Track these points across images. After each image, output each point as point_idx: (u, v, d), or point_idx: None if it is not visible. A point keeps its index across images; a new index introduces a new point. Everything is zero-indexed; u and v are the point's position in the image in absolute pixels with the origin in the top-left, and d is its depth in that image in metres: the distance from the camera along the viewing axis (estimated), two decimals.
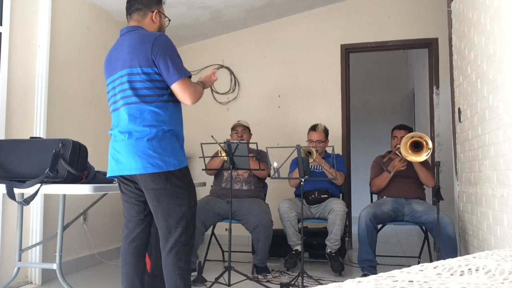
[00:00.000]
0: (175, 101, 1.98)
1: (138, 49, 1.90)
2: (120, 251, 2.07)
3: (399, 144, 3.45)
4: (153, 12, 2.07)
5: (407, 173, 3.38)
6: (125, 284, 2.02)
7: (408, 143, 3.13)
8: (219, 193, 3.50)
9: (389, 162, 3.48)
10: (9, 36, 2.85)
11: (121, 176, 2.02)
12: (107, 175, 2.05)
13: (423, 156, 3.09)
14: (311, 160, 3.26)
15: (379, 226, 3.34)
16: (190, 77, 1.94)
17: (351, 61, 4.70)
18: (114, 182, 2.53)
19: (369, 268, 3.15)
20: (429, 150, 3.05)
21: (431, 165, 3.59)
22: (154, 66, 1.89)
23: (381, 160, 3.53)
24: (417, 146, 3.13)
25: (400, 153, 3.23)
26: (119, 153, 1.94)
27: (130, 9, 2.09)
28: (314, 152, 3.37)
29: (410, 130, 3.59)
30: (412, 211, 3.30)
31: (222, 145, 3.02)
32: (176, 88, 1.89)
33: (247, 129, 3.69)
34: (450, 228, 3.03)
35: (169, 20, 2.21)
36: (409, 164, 3.34)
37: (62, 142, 2.28)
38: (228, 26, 4.72)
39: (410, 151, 3.13)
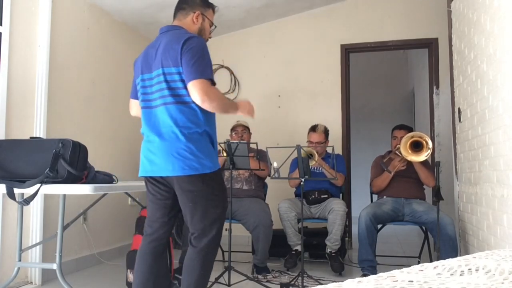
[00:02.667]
0: None
1: (171, 49, 1.88)
2: (138, 249, 2.06)
3: (399, 144, 3.46)
4: (195, 13, 2.07)
5: (407, 173, 3.38)
6: (137, 281, 2.00)
7: (408, 143, 3.13)
8: None
9: (389, 163, 3.48)
10: (9, 36, 2.85)
11: (151, 177, 2.00)
12: (139, 175, 2.04)
13: (423, 156, 3.09)
14: (312, 163, 3.26)
15: (379, 226, 3.34)
16: (211, 80, 1.87)
17: (351, 61, 4.70)
18: (114, 182, 2.54)
19: (369, 268, 3.15)
20: (429, 150, 3.05)
21: (431, 165, 3.59)
22: (181, 66, 1.87)
23: (381, 160, 3.53)
24: (417, 146, 3.14)
25: (400, 153, 3.23)
26: (153, 154, 1.92)
27: (176, 8, 2.10)
28: (316, 155, 3.36)
29: (410, 130, 3.59)
30: (412, 211, 3.30)
31: (222, 145, 3.02)
32: (190, 86, 1.83)
33: (247, 128, 3.69)
34: (450, 228, 3.03)
35: (215, 26, 2.20)
36: (409, 164, 3.34)
37: (62, 142, 2.28)
38: (228, 26, 4.72)
39: (410, 151, 3.13)
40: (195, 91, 1.82)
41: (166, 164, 1.88)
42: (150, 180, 2.02)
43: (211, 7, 2.17)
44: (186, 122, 1.88)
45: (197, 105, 1.89)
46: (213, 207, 1.94)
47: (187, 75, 1.84)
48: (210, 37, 2.20)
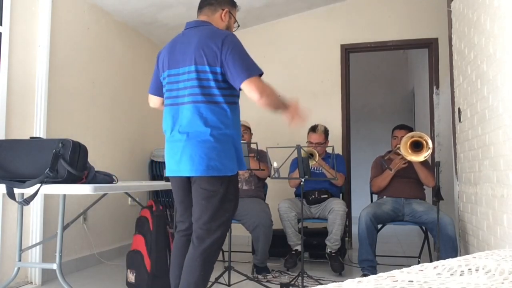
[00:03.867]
0: (238, 104, 1.97)
1: (207, 46, 1.86)
2: (173, 243, 2.07)
3: (400, 144, 3.45)
4: (223, 10, 2.06)
5: (407, 173, 3.38)
6: (176, 273, 1.99)
7: (408, 143, 3.13)
8: None
9: (389, 162, 3.48)
10: (9, 36, 2.85)
11: (178, 176, 1.99)
12: (166, 175, 2.02)
13: (422, 156, 3.08)
14: (313, 163, 3.26)
15: (379, 226, 3.34)
16: (261, 75, 1.87)
17: (351, 61, 4.70)
18: (114, 182, 2.54)
19: (369, 268, 3.15)
20: (429, 150, 3.05)
21: (431, 165, 3.59)
22: (221, 65, 1.85)
23: (382, 159, 3.53)
24: (417, 146, 3.13)
25: (400, 153, 3.23)
26: (179, 153, 1.90)
27: (203, 3, 2.07)
28: (317, 155, 3.36)
29: (410, 130, 3.59)
30: (412, 211, 3.30)
31: None
32: (246, 85, 1.82)
33: (248, 129, 3.69)
34: (450, 228, 3.03)
35: (239, 25, 2.20)
36: (409, 164, 3.34)
37: (62, 142, 2.28)
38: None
39: (410, 151, 3.13)
40: (252, 89, 1.81)
41: (191, 164, 1.86)
42: (177, 179, 2.01)
43: (236, 6, 2.16)
44: (217, 123, 1.86)
45: (228, 106, 1.88)
46: (224, 210, 1.93)
47: (239, 75, 1.83)
48: None
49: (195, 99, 1.87)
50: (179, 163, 1.90)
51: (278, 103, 1.93)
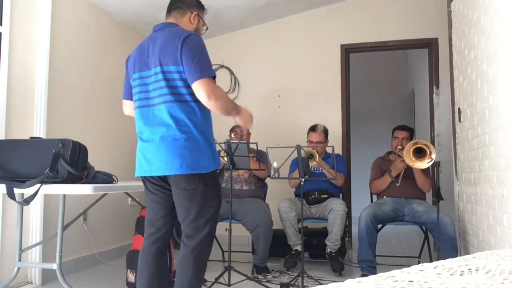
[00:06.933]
0: None
1: (170, 46, 1.87)
2: (141, 249, 2.05)
3: (400, 145, 3.45)
4: (192, 13, 2.07)
5: (407, 173, 3.37)
6: (143, 281, 1.99)
7: (412, 149, 3.10)
8: None
9: (389, 164, 3.48)
10: (9, 36, 2.85)
11: (150, 176, 1.99)
12: (136, 175, 2.03)
13: (425, 163, 3.04)
14: (313, 163, 3.26)
15: (379, 226, 3.34)
16: (214, 77, 1.87)
17: (351, 61, 4.70)
18: (114, 182, 2.54)
19: (369, 268, 3.15)
20: (431, 160, 3.01)
21: (429, 171, 3.56)
22: (181, 64, 1.86)
23: (382, 162, 3.54)
24: (419, 152, 3.11)
25: (401, 155, 3.22)
26: (151, 153, 1.91)
27: (171, 6, 2.08)
28: (317, 155, 3.36)
29: (411, 130, 3.59)
30: (412, 211, 3.30)
31: (222, 145, 3.02)
32: (196, 86, 1.82)
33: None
34: (450, 228, 3.03)
35: (207, 28, 2.19)
36: None
37: (62, 142, 2.28)
38: (228, 26, 4.72)
39: (412, 156, 3.09)
40: (201, 91, 1.81)
41: (164, 163, 1.87)
42: (150, 180, 2.02)
43: (204, 9, 2.17)
44: (186, 121, 1.87)
45: (196, 105, 1.89)
46: (209, 206, 1.94)
47: (191, 75, 1.83)
48: None
49: (165, 100, 1.89)
50: (152, 163, 1.91)
51: (228, 108, 1.93)
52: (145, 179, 2.04)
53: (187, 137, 1.87)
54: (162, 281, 2.03)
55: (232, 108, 1.98)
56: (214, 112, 1.91)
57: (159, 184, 2.00)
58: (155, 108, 1.91)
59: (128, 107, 2.13)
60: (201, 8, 2.14)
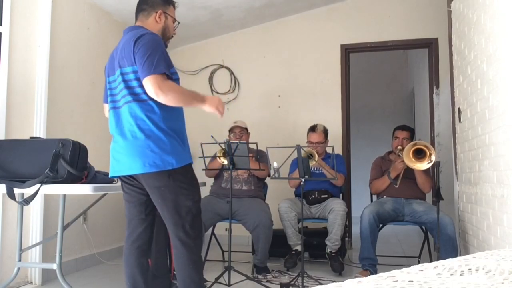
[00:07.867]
0: None
1: (127, 47, 1.91)
2: (123, 251, 2.07)
3: (400, 145, 3.45)
4: (157, 12, 2.06)
5: (407, 173, 3.37)
6: (129, 284, 2.03)
7: (411, 150, 3.10)
8: (219, 193, 3.50)
9: (389, 164, 3.48)
10: (9, 36, 2.85)
11: (123, 176, 2.02)
12: (110, 175, 2.06)
13: (425, 164, 3.04)
14: (312, 163, 3.26)
15: (380, 225, 3.34)
16: (164, 74, 1.84)
17: (351, 61, 4.70)
18: (114, 182, 2.54)
19: (371, 266, 3.15)
20: (430, 161, 3.00)
21: (430, 172, 3.56)
22: (135, 64, 1.87)
23: (383, 164, 3.54)
24: (419, 153, 3.10)
25: (401, 155, 3.22)
26: (119, 153, 1.96)
27: (137, 10, 2.10)
28: (316, 155, 3.36)
29: (412, 131, 3.59)
30: (412, 211, 3.30)
31: (222, 145, 3.02)
32: (144, 83, 1.82)
33: (244, 129, 3.68)
34: (450, 228, 3.03)
35: (178, 22, 2.18)
36: None
37: (62, 142, 2.28)
38: (228, 26, 4.72)
39: (412, 157, 3.09)
40: (148, 87, 1.81)
41: (130, 163, 1.90)
42: (123, 179, 2.05)
43: (171, 3, 2.14)
44: (144, 120, 1.89)
45: (154, 102, 1.89)
46: (183, 201, 1.94)
47: (140, 73, 1.84)
48: (174, 34, 2.18)
49: (126, 100, 1.93)
50: (120, 163, 1.95)
51: (185, 99, 1.90)
52: (120, 179, 2.07)
53: (147, 135, 1.88)
54: (146, 280, 2.05)
55: (192, 99, 1.95)
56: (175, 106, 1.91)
57: (131, 183, 2.03)
58: (121, 109, 1.96)
59: (107, 110, 2.17)
60: (167, 4, 2.11)
